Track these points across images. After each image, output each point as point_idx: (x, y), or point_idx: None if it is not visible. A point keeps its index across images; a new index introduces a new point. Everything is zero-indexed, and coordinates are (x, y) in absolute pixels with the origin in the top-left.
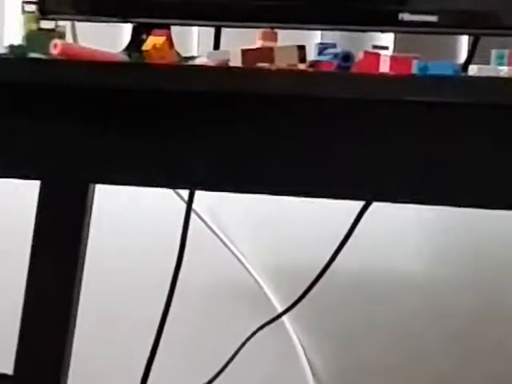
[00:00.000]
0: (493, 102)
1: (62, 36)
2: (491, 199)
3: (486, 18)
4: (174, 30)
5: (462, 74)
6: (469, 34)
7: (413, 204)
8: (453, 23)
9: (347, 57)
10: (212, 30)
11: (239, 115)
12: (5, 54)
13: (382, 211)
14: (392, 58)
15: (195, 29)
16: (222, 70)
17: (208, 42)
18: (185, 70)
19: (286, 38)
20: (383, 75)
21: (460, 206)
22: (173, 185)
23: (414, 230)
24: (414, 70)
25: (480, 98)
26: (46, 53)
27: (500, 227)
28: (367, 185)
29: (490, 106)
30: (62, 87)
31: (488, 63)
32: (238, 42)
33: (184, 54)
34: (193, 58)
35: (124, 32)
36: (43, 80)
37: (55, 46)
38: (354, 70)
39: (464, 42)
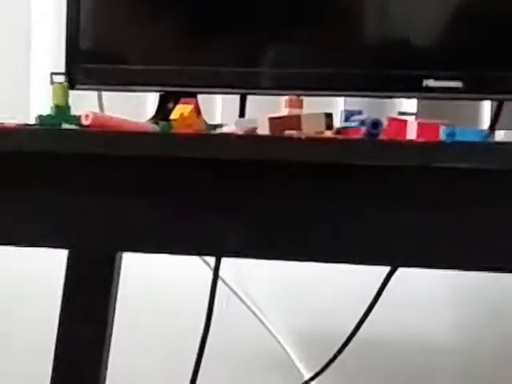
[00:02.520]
0: None
1: None
2: None
3: (510, 84)
4: (198, 97)
5: (490, 140)
6: (493, 100)
7: (443, 270)
8: (477, 89)
9: (376, 124)
10: (235, 97)
11: (270, 184)
12: (34, 125)
13: (407, 276)
14: (419, 124)
15: (219, 96)
16: (254, 139)
17: (231, 108)
18: (218, 139)
19: (308, 104)
20: (415, 142)
21: (490, 271)
22: (202, 253)
23: (441, 295)
24: (442, 136)
25: (509, 164)
26: (77, 123)
27: None
28: (396, 251)
29: None
30: (91, 158)
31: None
32: (261, 108)
33: (208, 121)
34: (220, 126)
35: (147, 100)
36: (74, 150)
37: (86, 116)
38: (381, 136)
39: (487, 105)
